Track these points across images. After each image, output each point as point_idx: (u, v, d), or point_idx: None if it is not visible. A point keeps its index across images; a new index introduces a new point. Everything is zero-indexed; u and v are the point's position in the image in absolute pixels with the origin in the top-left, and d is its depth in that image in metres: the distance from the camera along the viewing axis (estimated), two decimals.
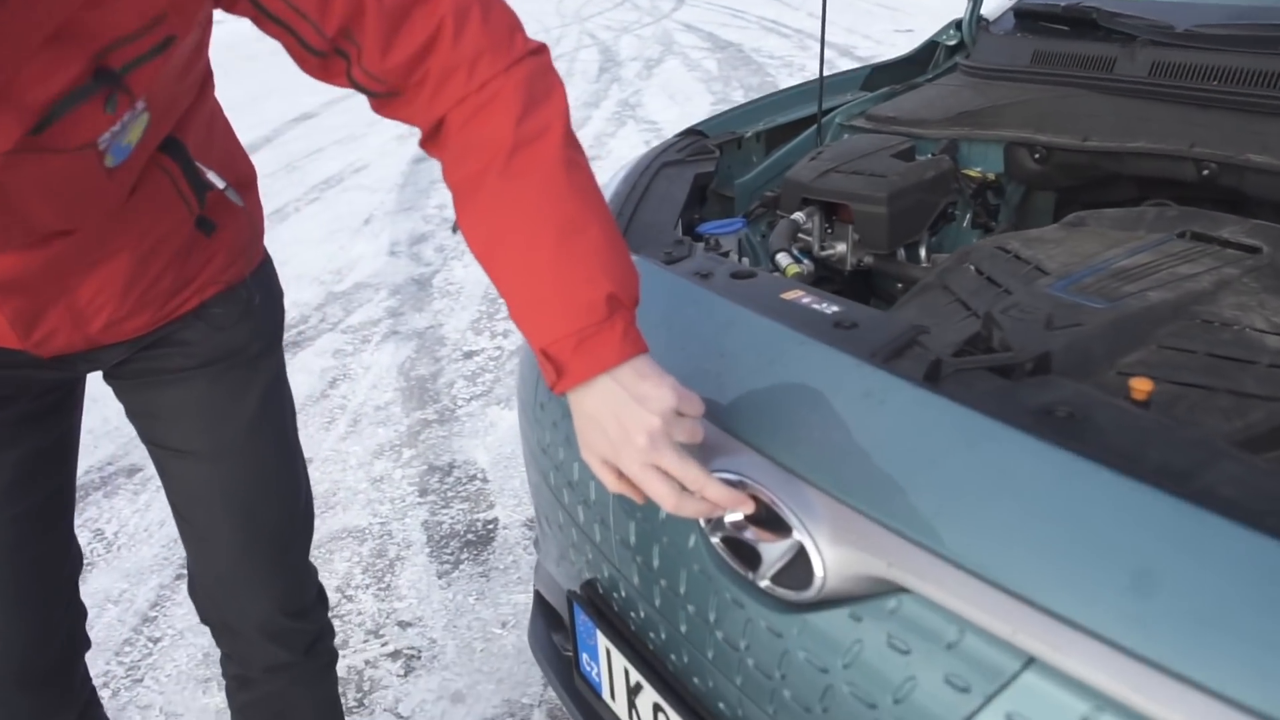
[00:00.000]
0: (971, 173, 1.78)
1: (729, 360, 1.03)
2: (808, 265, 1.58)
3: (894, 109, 1.87)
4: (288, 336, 3.78)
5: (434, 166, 6.17)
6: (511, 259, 0.88)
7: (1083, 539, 0.73)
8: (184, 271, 1.12)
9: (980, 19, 2.05)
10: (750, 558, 0.92)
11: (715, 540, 0.96)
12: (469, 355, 3.51)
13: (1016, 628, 0.73)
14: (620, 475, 0.88)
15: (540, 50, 0.92)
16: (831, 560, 0.85)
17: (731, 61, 9.59)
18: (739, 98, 7.72)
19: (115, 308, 1.05)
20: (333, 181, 6.08)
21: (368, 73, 0.88)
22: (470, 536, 2.49)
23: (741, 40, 11.05)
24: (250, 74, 9.94)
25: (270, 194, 5.86)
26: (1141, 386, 0.95)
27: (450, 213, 5.23)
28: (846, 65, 8.83)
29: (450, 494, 2.69)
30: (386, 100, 0.92)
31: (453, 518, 2.58)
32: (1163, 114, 1.61)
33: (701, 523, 0.97)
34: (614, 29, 13.13)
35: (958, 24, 2.09)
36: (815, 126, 1.86)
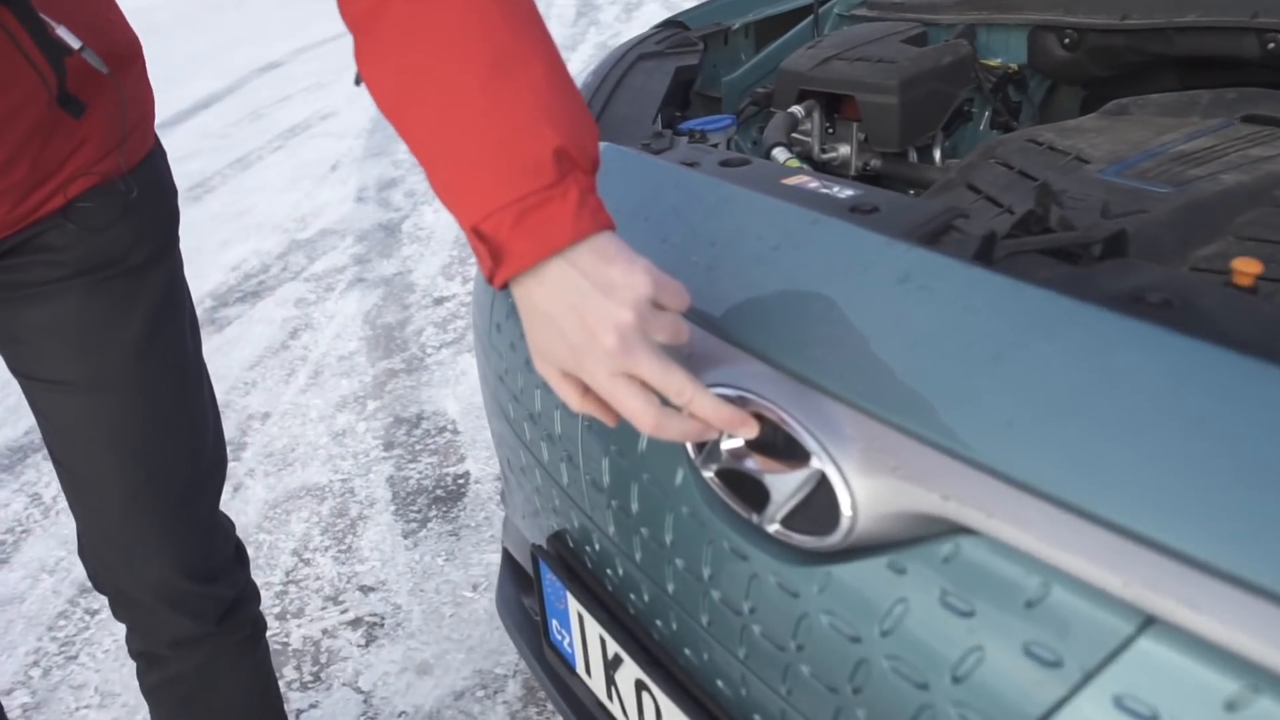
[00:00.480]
0: (991, 63, 1.56)
1: (722, 249, 0.82)
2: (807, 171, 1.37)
3: None
4: (247, 286, 3.54)
5: None
6: (427, 108, 0.66)
7: (1220, 453, 0.52)
8: (43, 160, 0.92)
9: None
10: (755, 495, 0.71)
11: (709, 474, 0.74)
12: (439, 301, 3.28)
13: (1129, 577, 0.52)
14: (585, 390, 0.67)
15: None
16: (863, 494, 0.64)
17: None
18: None
19: None
20: (299, 129, 5.79)
21: None
22: (439, 492, 2.29)
23: None
24: (217, 25, 9.57)
25: (234, 142, 5.58)
26: (1247, 269, 0.75)
27: None
28: None
29: (418, 447, 2.48)
30: None
31: (420, 472, 2.37)
32: None
33: (690, 452, 0.76)
34: None
35: None
36: (811, 17, 1.64)
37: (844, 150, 1.47)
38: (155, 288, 1.01)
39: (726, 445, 0.72)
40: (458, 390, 2.72)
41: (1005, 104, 1.58)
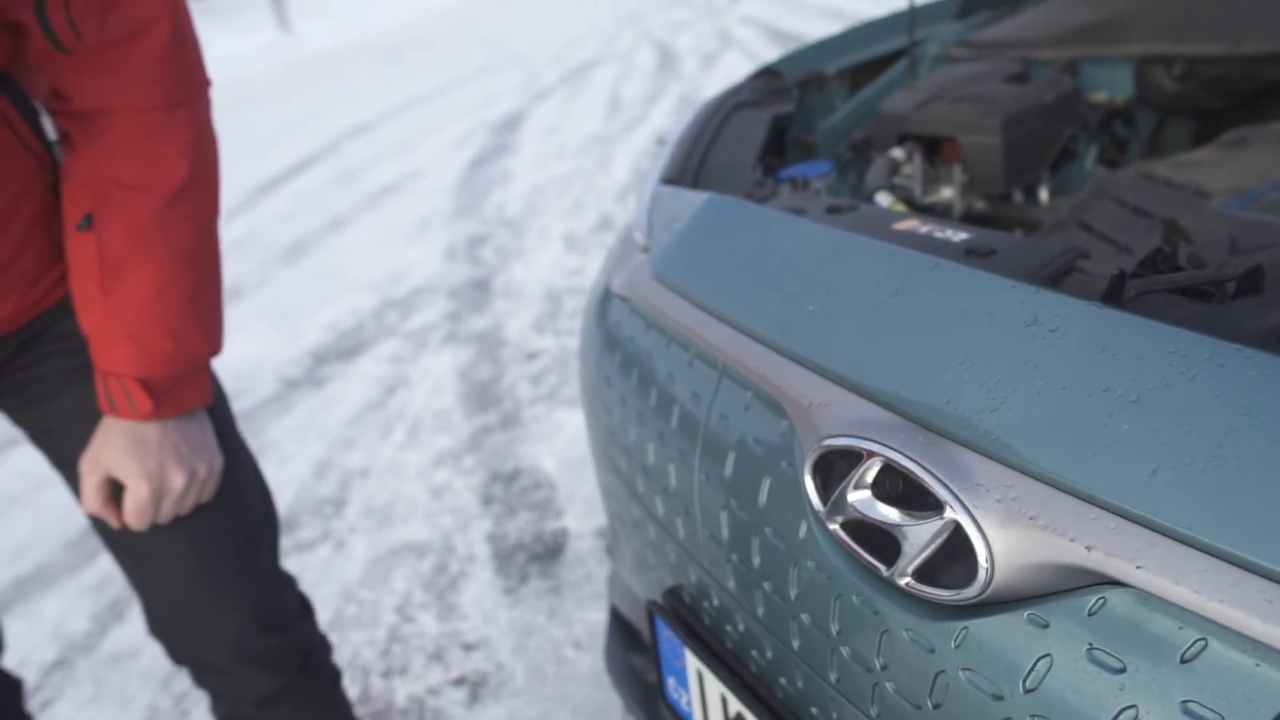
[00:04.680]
0: (1096, 98, 1.53)
1: (839, 297, 0.81)
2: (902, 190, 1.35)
3: (997, 33, 1.62)
4: (344, 344, 3.63)
5: (491, 170, 6.03)
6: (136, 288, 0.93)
7: None
8: (49, 246, 0.98)
9: None
10: (884, 548, 0.69)
11: (834, 527, 0.73)
12: (531, 357, 3.31)
13: None
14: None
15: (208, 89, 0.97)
16: (1000, 545, 0.62)
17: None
18: None
19: None
20: (389, 189, 5.96)
21: (72, 20, 0.85)
22: (538, 549, 2.29)
23: (802, 29, 10.75)
24: (306, 90, 9.96)
25: (327, 204, 5.77)
26: None
27: (510, 211, 5.07)
28: None
29: (515, 503, 2.49)
30: (53, 53, 0.87)
31: (519, 529, 2.38)
32: None
33: (815, 504, 0.74)
34: (670, 27, 12.93)
35: None
36: (907, 60, 1.63)
37: (947, 193, 1.45)
38: None
39: (853, 497, 0.70)
40: (553, 445, 2.73)
41: (1112, 139, 1.54)
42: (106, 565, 2.45)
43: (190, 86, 0.93)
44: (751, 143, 1.35)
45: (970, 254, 0.82)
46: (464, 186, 5.73)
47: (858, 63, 1.68)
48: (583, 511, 2.41)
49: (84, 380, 1.01)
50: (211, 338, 1.00)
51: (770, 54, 9.27)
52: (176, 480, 0.97)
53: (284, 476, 2.75)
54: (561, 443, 2.74)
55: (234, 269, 4.44)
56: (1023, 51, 1.55)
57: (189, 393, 0.98)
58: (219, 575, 1.09)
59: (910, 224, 0.93)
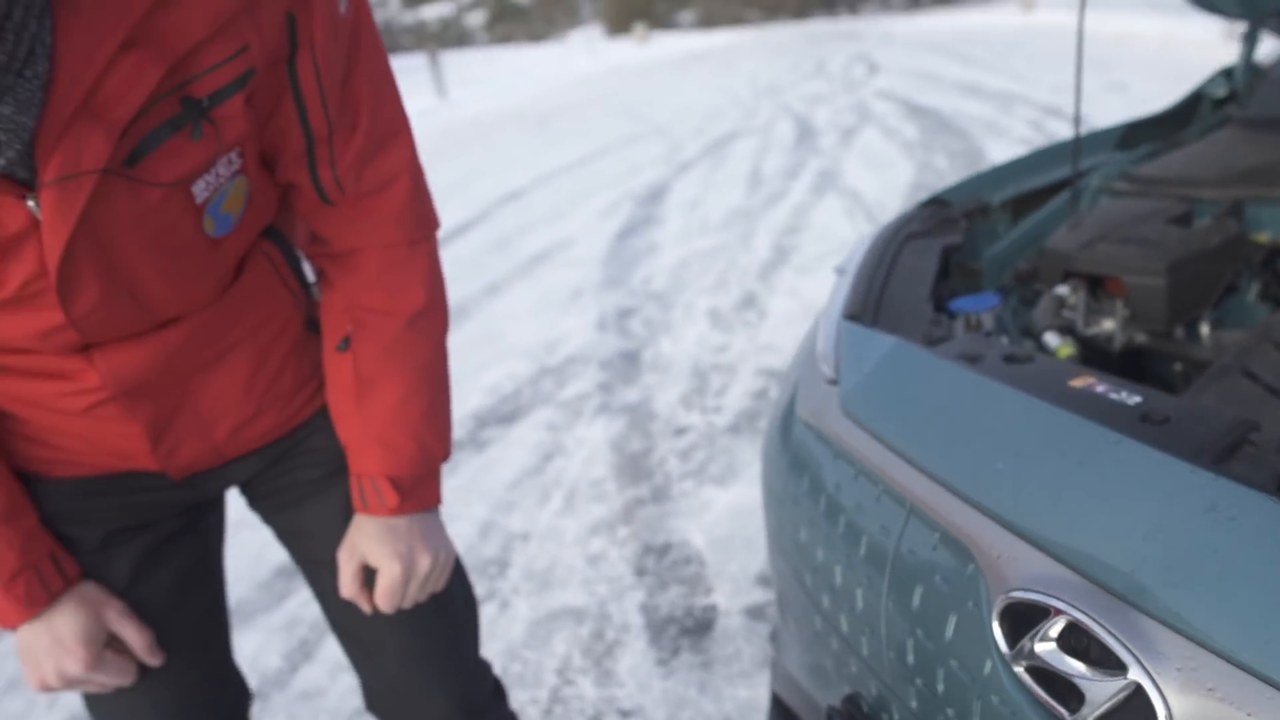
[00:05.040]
0: (1260, 238, 1.59)
1: (1026, 460, 0.92)
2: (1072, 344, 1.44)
3: (1160, 169, 1.70)
4: (503, 409, 3.85)
5: (637, 242, 6.26)
6: (392, 397, 1.08)
7: None
8: (301, 370, 1.14)
9: (1254, 65, 1.86)
10: (1068, 694, 0.79)
11: (1020, 669, 0.83)
12: (679, 432, 3.46)
13: None
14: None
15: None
16: (1180, 711, 0.72)
17: (931, 127, 9.36)
18: (942, 163, 7.50)
19: (238, 411, 1.07)
20: (541, 258, 6.25)
21: (338, 178, 0.99)
22: (689, 623, 2.41)
23: (939, 105, 10.80)
24: (462, 155, 10.48)
25: (484, 269, 6.09)
26: None
27: (656, 284, 5.26)
28: (1055, 126, 8.48)
29: (667, 576, 2.62)
30: (319, 205, 1.02)
31: (670, 602, 2.51)
32: None
33: (1003, 646, 0.85)
34: (808, 100, 13.12)
35: (1227, 72, 1.90)
36: (1071, 192, 1.72)
37: (1108, 325, 1.53)
38: None
39: (1040, 648, 0.81)
40: (702, 521, 2.86)
41: (1275, 276, 1.60)
42: (294, 607, 2.68)
43: (426, 225, 1.09)
44: (924, 276, 1.46)
45: (1145, 420, 0.92)
46: (612, 257, 5.98)
47: (1020, 193, 1.78)
48: (730, 590, 2.52)
49: (327, 489, 1.17)
50: (445, 443, 1.15)
51: (909, 130, 9.35)
52: (424, 563, 1.12)
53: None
54: (709, 520, 2.87)
55: None
56: (1186, 190, 1.63)
57: (427, 491, 1.13)
58: (432, 663, 1.22)
59: (1086, 381, 1.03)
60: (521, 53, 49.53)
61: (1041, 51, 15.53)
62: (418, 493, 1.12)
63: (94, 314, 0.88)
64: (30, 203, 0.77)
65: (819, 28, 42.30)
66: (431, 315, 1.10)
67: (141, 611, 1.10)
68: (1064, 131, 8.29)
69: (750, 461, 3.20)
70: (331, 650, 2.51)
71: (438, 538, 1.16)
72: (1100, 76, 10.94)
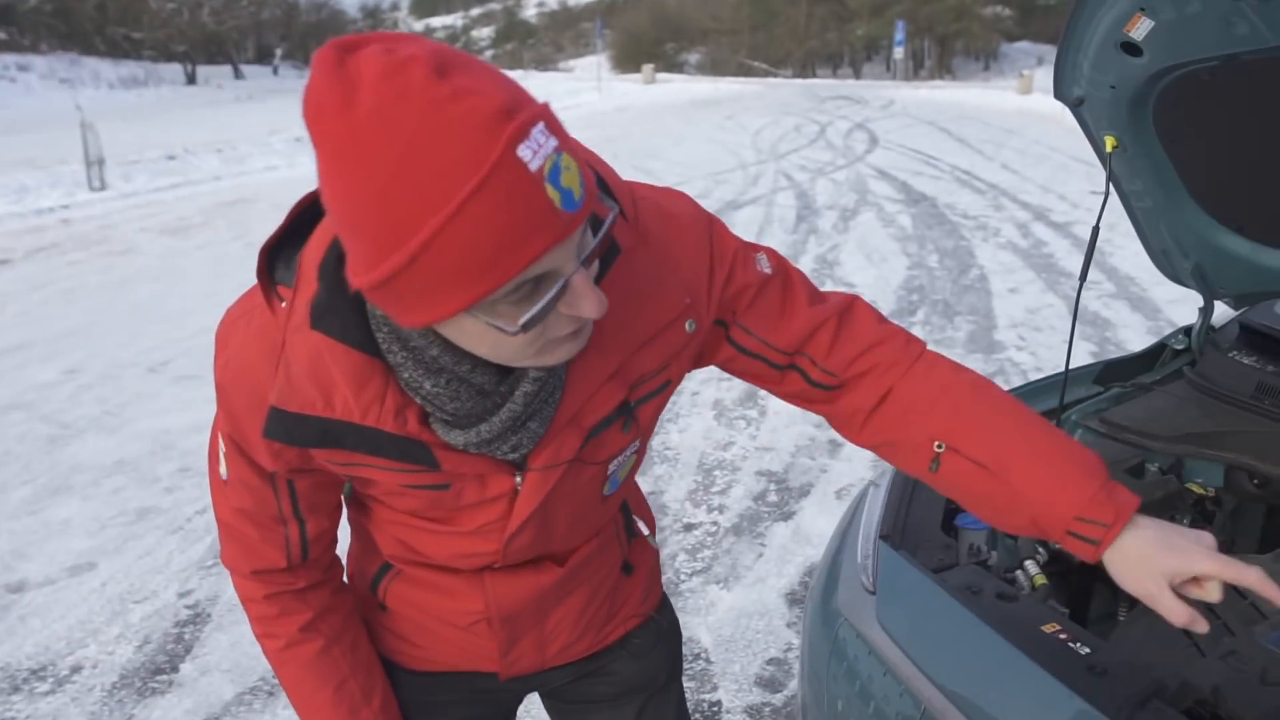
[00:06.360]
0: (1194, 487, 2.04)
1: (1007, 695, 1.35)
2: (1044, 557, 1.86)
3: (1125, 417, 2.15)
4: None
5: None
6: (1020, 450, 1.07)
7: None
8: (613, 604, 1.34)
9: (1209, 327, 2.32)
10: None
11: None
12: (688, 528, 3.87)
13: None
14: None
15: None
16: None
17: (925, 219, 9.91)
18: (933, 262, 8.01)
19: (568, 635, 1.28)
20: None
21: (825, 370, 1.12)
22: (696, 716, 2.82)
23: (935, 194, 11.37)
24: None
25: None
26: None
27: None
28: (1041, 230, 9.03)
29: None
30: (833, 396, 1.15)
31: None
32: None
33: None
34: (809, 170, 13.64)
35: (1187, 330, 2.36)
36: (1056, 422, 2.16)
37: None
38: (677, 699, 1.48)
39: None
40: (708, 620, 3.27)
41: (1202, 514, 2.05)
42: None
43: (911, 337, 1.17)
44: (938, 501, 1.89)
45: (1089, 670, 1.35)
46: None
47: None
48: (734, 688, 2.93)
49: (618, 703, 1.39)
50: (1090, 454, 1.10)
51: (904, 219, 9.89)
52: (1183, 536, 1.03)
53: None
54: (715, 619, 3.28)
55: None
56: (1144, 440, 2.07)
57: (1117, 495, 1.04)
58: None
59: (1053, 628, 1.46)
60: (529, 78, 49.92)
61: (1035, 143, 16.23)
62: (1112, 503, 1.04)
63: (519, 549, 1.12)
64: (517, 478, 1.04)
65: (822, 86, 43.16)
66: (974, 374, 1.15)
67: None
68: (1050, 237, 8.87)
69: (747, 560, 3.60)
70: None
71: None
72: (1087, 181, 11.56)
